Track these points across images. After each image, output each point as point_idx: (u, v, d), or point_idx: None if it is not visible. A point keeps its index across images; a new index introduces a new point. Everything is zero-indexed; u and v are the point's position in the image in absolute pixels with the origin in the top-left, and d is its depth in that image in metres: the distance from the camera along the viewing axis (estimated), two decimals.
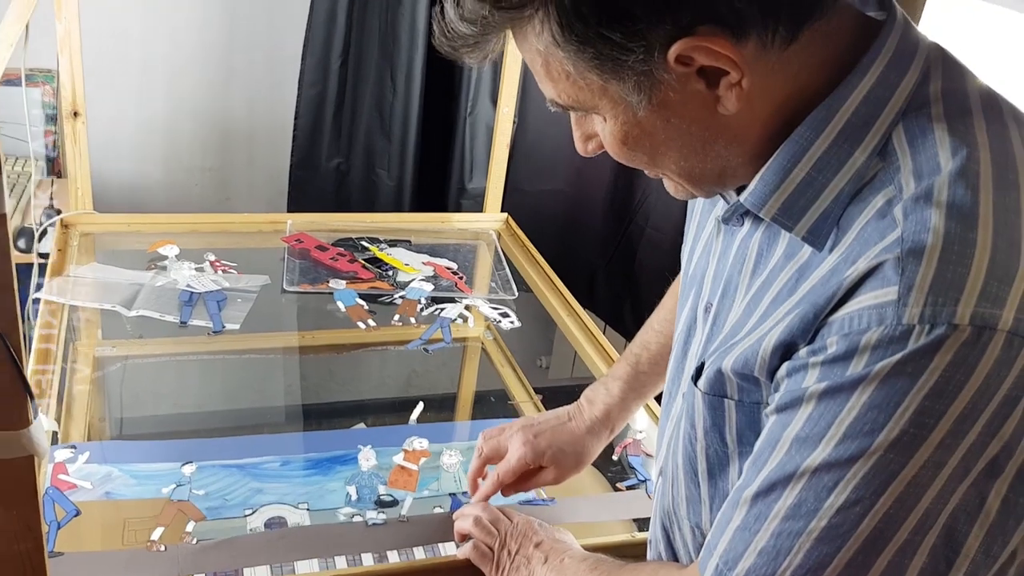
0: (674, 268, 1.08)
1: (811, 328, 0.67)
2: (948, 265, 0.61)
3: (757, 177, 0.73)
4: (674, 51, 0.65)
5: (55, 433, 1.29)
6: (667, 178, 0.79)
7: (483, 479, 1.17)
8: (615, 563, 0.93)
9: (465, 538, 1.11)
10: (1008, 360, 0.61)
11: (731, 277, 0.80)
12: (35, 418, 0.76)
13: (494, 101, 2.27)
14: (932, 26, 1.31)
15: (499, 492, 1.15)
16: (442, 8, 0.71)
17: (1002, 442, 0.62)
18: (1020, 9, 1.48)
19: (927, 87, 0.69)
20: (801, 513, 0.66)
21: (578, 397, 1.19)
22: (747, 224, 0.79)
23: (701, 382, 0.79)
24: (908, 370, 0.61)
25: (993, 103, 0.70)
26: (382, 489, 1.25)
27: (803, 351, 0.67)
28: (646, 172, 0.78)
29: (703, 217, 0.90)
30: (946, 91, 0.69)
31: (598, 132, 0.76)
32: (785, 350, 0.69)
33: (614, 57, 0.66)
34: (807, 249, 0.71)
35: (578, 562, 0.97)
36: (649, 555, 0.99)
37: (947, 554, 0.64)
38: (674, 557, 0.92)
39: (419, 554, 1.15)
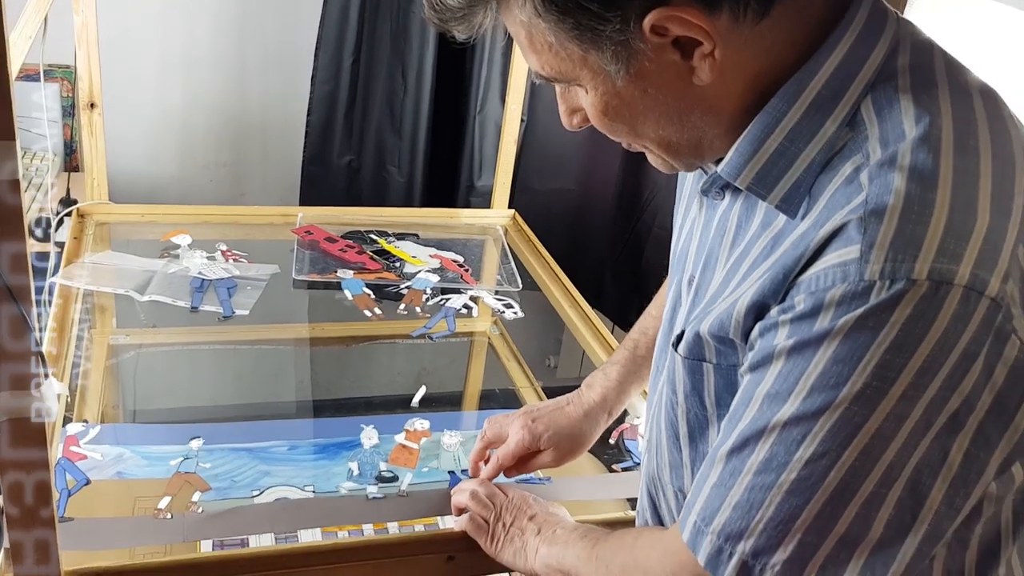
0: None
1: (781, 288, 0.70)
2: (908, 224, 0.64)
3: (733, 148, 0.75)
4: (648, 21, 0.68)
5: (67, 406, 1.33)
6: (648, 151, 0.81)
7: (485, 463, 1.20)
8: (602, 531, 0.96)
9: (462, 511, 1.14)
10: (965, 314, 0.63)
11: (712, 249, 0.83)
12: (47, 379, 0.80)
13: (503, 99, 2.30)
14: (919, 17, 1.34)
15: (512, 474, 1.19)
16: None
17: (962, 397, 0.65)
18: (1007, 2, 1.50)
19: (895, 60, 0.72)
20: (772, 467, 0.69)
21: None
22: (727, 198, 0.82)
23: (681, 347, 0.83)
24: (870, 324, 0.64)
25: (958, 76, 0.73)
26: (383, 465, 1.28)
27: (774, 311, 0.70)
28: (626, 144, 0.81)
29: (690, 199, 0.93)
30: (913, 64, 0.72)
31: (583, 105, 0.79)
32: (758, 311, 0.72)
33: (592, 27, 0.69)
34: (782, 218, 0.74)
35: (569, 531, 1.00)
36: (637, 524, 1.02)
37: (912, 506, 0.67)
38: (660, 523, 0.96)
39: (418, 528, 1.18)
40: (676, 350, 0.84)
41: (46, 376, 0.80)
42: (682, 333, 0.83)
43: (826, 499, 0.67)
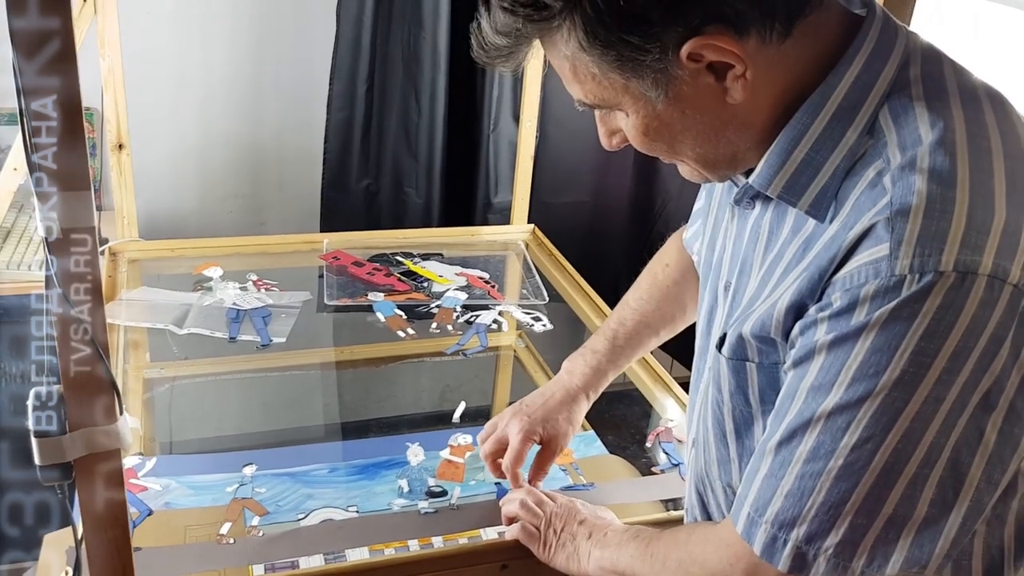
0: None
1: (817, 288, 0.75)
2: (932, 221, 0.69)
3: (763, 160, 0.81)
4: (686, 50, 0.73)
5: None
6: (684, 163, 0.87)
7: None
8: (653, 531, 1.00)
9: (512, 521, 1.18)
10: (991, 301, 0.69)
11: (747, 256, 0.88)
12: (121, 415, 0.83)
13: (516, 118, 2.34)
14: (925, 21, 1.37)
15: (538, 479, 1.24)
16: (478, 22, 0.79)
17: (993, 377, 0.70)
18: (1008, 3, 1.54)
19: (907, 71, 0.78)
20: (820, 455, 0.73)
21: (611, 403, 1.30)
22: (758, 207, 0.87)
23: (724, 349, 0.88)
24: (904, 315, 0.69)
25: (966, 82, 0.78)
26: (431, 481, 1.32)
27: (812, 309, 0.75)
28: (663, 159, 0.86)
29: (720, 210, 0.98)
30: (924, 74, 0.78)
31: (621, 127, 0.84)
32: (797, 310, 0.77)
33: (634, 58, 0.75)
34: (811, 222, 0.79)
35: (620, 533, 1.03)
36: (686, 521, 1.05)
37: (953, 484, 0.71)
38: (709, 519, 0.99)
39: (462, 540, 1.21)
40: (720, 351, 0.88)
41: (121, 412, 0.83)
42: (724, 336, 0.88)
43: (873, 481, 0.71)
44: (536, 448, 1.25)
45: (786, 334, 0.79)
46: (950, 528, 0.72)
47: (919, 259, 0.69)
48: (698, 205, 1.17)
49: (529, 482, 1.23)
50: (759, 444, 0.81)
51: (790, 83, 0.78)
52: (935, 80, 0.77)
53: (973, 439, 0.71)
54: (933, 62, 0.79)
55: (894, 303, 0.69)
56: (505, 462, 1.22)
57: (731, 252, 0.91)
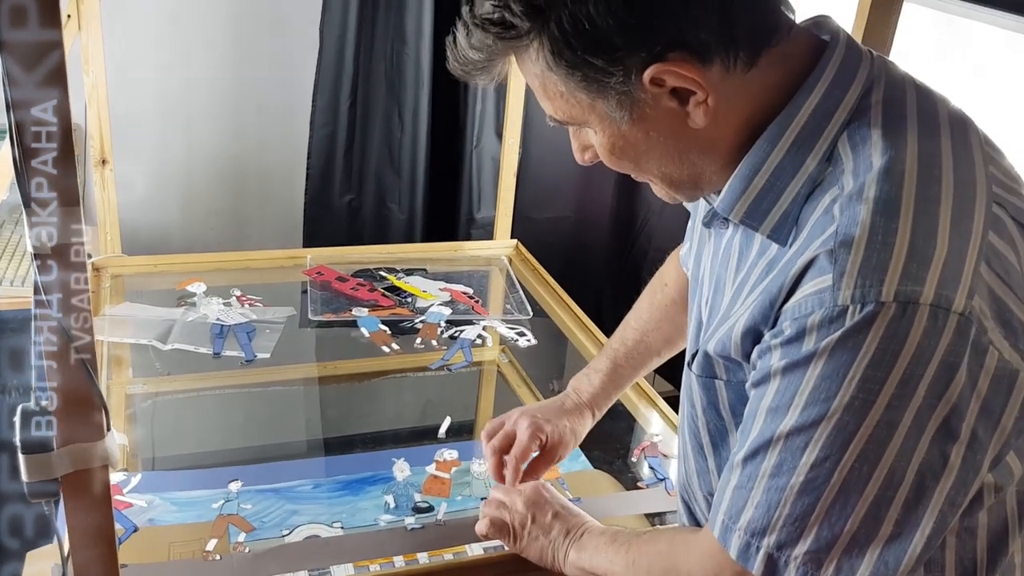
0: None
1: (769, 315, 0.77)
2: (873, 252, 0.71)
3: (726, 186, 0.83)
4: (648, 74, 0.76)
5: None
6: (652, 183, 0.89)
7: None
8: (632, 533, 1.01)
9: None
10: (936, 330, 0.70)
11: (720, 275, 0.90)
12: (108, 431, 0.83)
13: (498, 134, 2.36)
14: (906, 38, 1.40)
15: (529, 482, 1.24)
16: (455, 38, 0.82)
17: (949, 404, 0.71)
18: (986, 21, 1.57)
19: (869, 98, 0.79)
20: (783, 471, 0.76)
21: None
22: (731, 227, 0.89)
23: (694, 366, 0.90)
24: (849, 344, 0.71)
25: (928, 108, 0.80)
26: (417, 497, 1.32)
27: (767, 335, 0.78)
28: (634, 177, 0.88)
29: (703, 229, 1.00)
30: (886, 100, 0.79)
31: (593, 144, 0.86)
32: (754, 335, 0.80)
33: (598, 79, 0.78)
34: (774, 245, 0.81)
35: (596, 536, 1.04)
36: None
37: (917, 507, 0.73)
38: (695, 524, 1.01)
39: (447, 556, 1.21)
40: (691, 369, 0.90)
41: (108, 428, 0.83)
42: (696, 353, 0.90)
43: (834, 496, 0.74)
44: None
45: (746, 356, 0.82)
46: (915, 546, 0.74)
47: (860, 290, 0.70)
48: (690, 223, 1.19)
49: (524, 479, 1.23)
50: (730, 457, 0.83)
51: (755, 110, 0.80)
52: (895, 107, 0.79)
53: (937, 465, 0.73)
54: (897, 88, 0.81)
55: (839, 332, 0.71)
56: (511, 454, 1.22)
57: (709, 271, 0.94)
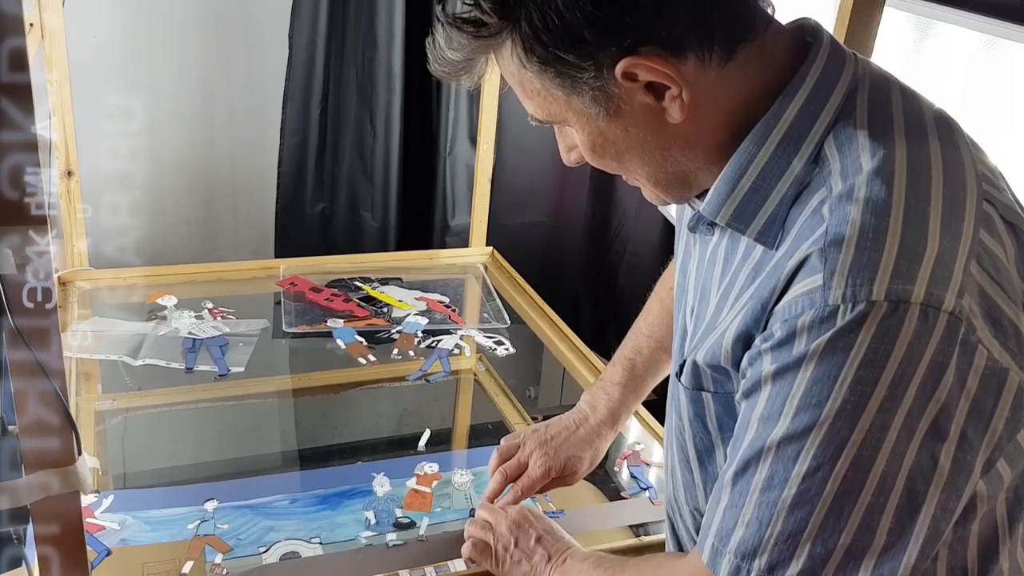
0: None
1: (761, 319, 0.76)
2: (864, 251, 0.70)
3: (712, 189, 0.82)
4: (620, 68, 0.74)
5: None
6: (641, 185, 0.88)
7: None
8: (616, 559, 0.98)
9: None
10: (926, 329, 0.69)
11: (706, 282, 0.88)
12: (79, 455, 0.80)
13: (472, 139, 2.34)
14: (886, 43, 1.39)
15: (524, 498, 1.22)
16: (434, 40, 0.81)
17: (939, 405, 0.70)
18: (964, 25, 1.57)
19: (854, 99, 0.78)
20: (774, 484, 0.73)
21: None
22: (716, 232, 0.87)
23: (683, 377, 0.88)
24: (840, 345, 0.70)
25: (914, 109, 0.79)
26: (399, 512, 1.29)
27: (758, 340, 0.76)
28: (624, 177, 0.87)
29: (688, 235, 0.98)
30: (871, 101, 0.78)
31: (577, 143, 0.84)
32: (745, 340, 0.78)
33: (571, 75, 0.77)
34: (760, 248, 0.79)
35: (579, 561, 1.02)
36: (666, 542, 1.04)
37: (910, 513, 0.71)
38: (678, 543, 0.99)
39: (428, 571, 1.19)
40: (679, 380, 0.88)
41: (79, 452, 0.80)
42: (683, 363, 0.88)
43: (827, 509, 0.71)
44: None
45: (736, 363, 0.80)
46: (909, 555, 0.72)
47: (851, 289, 0.69)
48: (676, 234, 1.17)
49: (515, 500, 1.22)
50: (720, 474, 0.80)
51: (735, 106, 0.79)
52: (881, 108, 0.78)
53: (927, 468, 0.71)
54: (881, 89, 0.80)
55: (830, 333, 0.70)
56: (519, 485, 1.20)
57: (694, 277, 0.92)
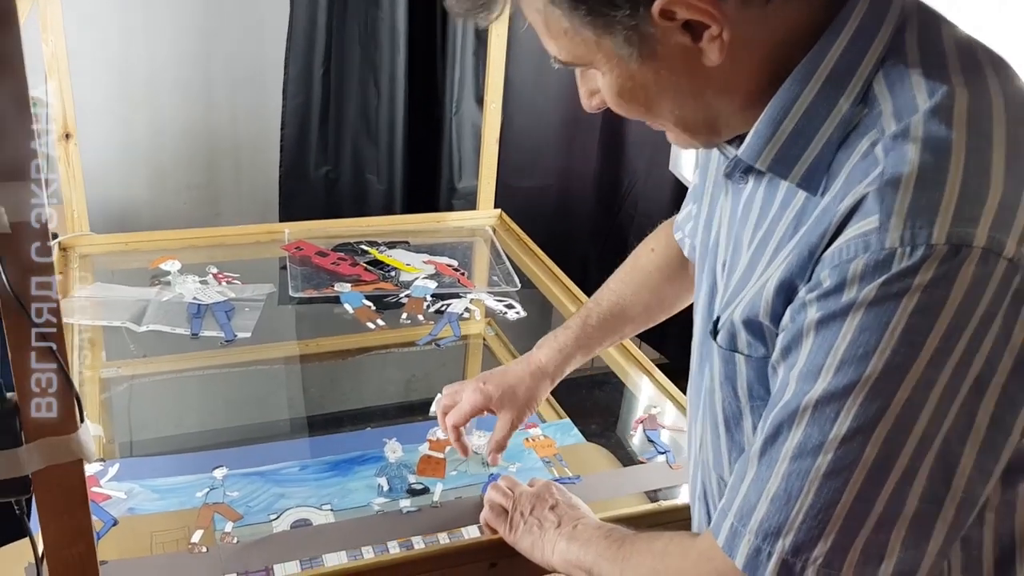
0: None
1: (808, 266, 0.71)
2: (923, 192, 0.66)
3: (752, 131, 0.77)
4: (657, 6, 0.69)
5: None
6: (667, 129, 0.83)
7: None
8: (627, 531, 0.95)
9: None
10: (985, 276, 0.65)
11: (739, 233, 0.84)
12: (82, 422, 0.78)
13: (478, 100, 2.29)
14: None
15: (491, 460, 1.26)
16: None
17: (983, 359, 0.66)
18: None
19: (903, 35, 0.73)
20: (808, 450, 0.69)
21: (584, 386, 1.28)
22: (751, 182, 0.83)
23: (719, 336, 0.84)
24: (894, 290, 0.65)
25: (967, 48, 0.74)
26: (412, 478, 1.27)
27: (802, 291, 0.71)
28: (648, 123, 0.83)
29: (716, 188, 0.93)
30: (922, 39, 0.73)
31: (601, 88, 0.80)
32: (787, 291, 0.73)
33: (604, 13, 0.72)
34: (802, 195, 0.75)
35: (592, 529, 0.99)
36: (692, 506, 1.01)
37: (944, 475, 0.67)
38: (706, 505, 0.95)
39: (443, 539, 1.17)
40: (715, 339, 0.84)
41: (82, 420, 0.78)
42: (717, 320, 0.84)
43: (864, 477, 0.67)
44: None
45: (776, 318, 0.75)
46: (942, 524, 0.68)
47: (910, 231, 0.65)
48: (692, 185, 1.12)
49: (490, 461, 1.26)
50: (747, 448, 0.77)
51: (775, 48, 0.74)
52: (933, 44, 0.73)
53: (964, 426, 0.67)
54: (931, 25, 0.75)
55: (884, 277, 0.65)
56: (449, 418, 1.23)
57: (726, 230, 0.87)
